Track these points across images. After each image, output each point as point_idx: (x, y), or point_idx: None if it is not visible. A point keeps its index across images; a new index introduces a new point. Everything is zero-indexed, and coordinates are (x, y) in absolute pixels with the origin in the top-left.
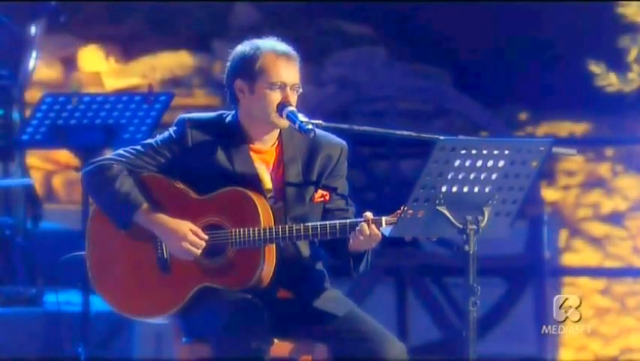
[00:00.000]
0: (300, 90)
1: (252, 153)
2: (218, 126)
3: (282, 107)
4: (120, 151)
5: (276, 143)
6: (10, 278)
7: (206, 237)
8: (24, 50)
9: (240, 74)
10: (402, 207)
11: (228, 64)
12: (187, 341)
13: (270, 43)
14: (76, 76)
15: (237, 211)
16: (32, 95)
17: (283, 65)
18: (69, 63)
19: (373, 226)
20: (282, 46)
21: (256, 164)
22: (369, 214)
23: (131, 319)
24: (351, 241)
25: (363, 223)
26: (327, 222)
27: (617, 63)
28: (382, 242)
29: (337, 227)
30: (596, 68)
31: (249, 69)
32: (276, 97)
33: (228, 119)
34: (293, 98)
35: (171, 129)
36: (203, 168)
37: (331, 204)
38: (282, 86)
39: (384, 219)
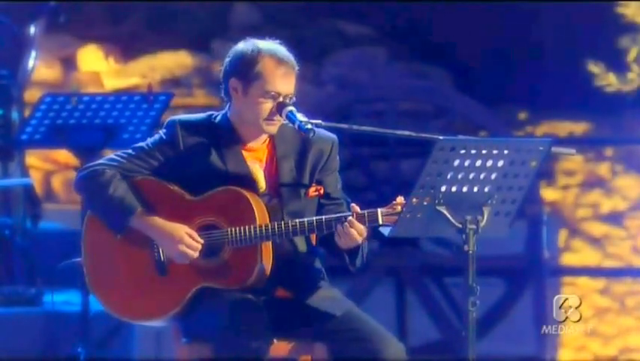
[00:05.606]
0: (294, 99)
1: (244, 152)
2: (209, 127)
3: (281, 107)
4: (112, 156)
5: (268, 140)
6: (10, 278)
7: (201, 240)
8: (24, 50)
9: (236, 73)
10: (399, 202)
11: (227, 59)
12: (187, 341)
13: (271, 48)
14: (75, 76)
15: (232, 210)
16: (32, 95)
17: (281, 75)
18: (69, 63)
19: (356, 222)
20: (284, 52)
21: (249, 162)
22: (354, 206)
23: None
24: (337, 240)
25: (351, 219)
26: (323, 216)
27: (617, 63)
28: (382, 242)
29: (333, 220)
30: (595, 68)
31: (246, 70)
32: (267, 106)
33: (218, 118)
34: None
35: (161, 132)
36: (196, 169)
37: (325, 198)
38: (276, 96)
39: (379, 210)
